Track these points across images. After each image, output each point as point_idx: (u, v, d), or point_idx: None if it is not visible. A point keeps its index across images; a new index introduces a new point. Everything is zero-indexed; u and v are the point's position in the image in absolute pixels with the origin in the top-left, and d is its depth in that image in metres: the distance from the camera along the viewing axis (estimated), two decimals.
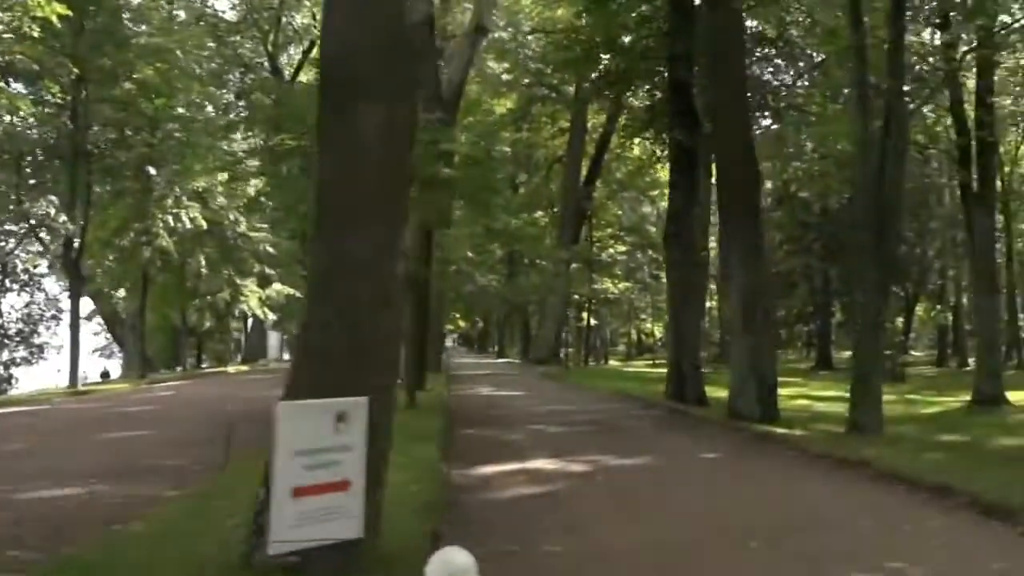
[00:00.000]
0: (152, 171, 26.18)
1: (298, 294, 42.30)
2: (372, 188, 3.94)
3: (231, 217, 29.56)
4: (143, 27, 26.33)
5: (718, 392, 17.40)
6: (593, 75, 17.90)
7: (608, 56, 17.41)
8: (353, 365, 3.77)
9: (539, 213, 42.67)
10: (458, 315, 55.68)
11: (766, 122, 31.04)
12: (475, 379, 26.65)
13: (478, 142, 28.60)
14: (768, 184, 45.37)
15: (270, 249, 33.69)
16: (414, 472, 6.82)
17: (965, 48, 18.57)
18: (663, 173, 45.42)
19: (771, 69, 23.57)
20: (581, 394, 19.83)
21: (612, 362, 54.58)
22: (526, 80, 34.64)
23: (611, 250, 48.13)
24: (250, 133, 24.69)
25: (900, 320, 53.61)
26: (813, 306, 46.56)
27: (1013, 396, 20.91)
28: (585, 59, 17.57)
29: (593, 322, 57.28)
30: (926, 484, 6.90)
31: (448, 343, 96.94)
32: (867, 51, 11.04)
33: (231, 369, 34.87)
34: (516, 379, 26.79)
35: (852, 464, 8.11)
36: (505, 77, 37.26)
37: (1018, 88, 37.39)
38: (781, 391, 23.44)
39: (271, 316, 37.58)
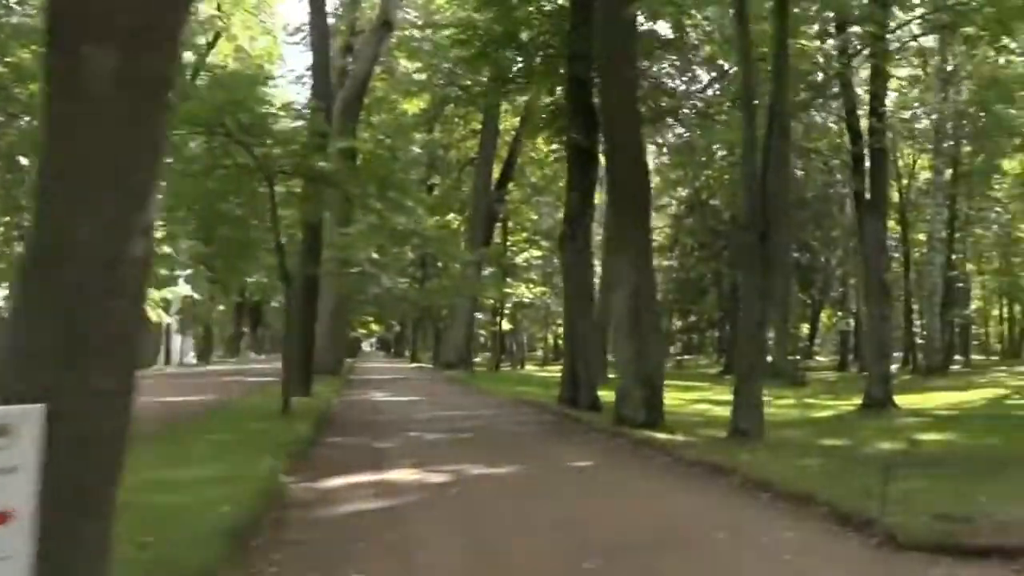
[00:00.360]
0: (25, 161, 24.39)
1: (196, 295, 40.63)
2: (103, 153, 3.25)
3: None
4: (22, 7, 24.58)
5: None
6: (492, 73, 17.35)
7: (507, 53, 16.93)
8: (68, 364, 3.08)
9: (451, 216, 42.08)
10: (371, 319, 54.57)
11: (679, 129, 31.29)
12: (376, 383, 25.82)
13: (383, 140, 27.91)
14: (680, 191, 46.09)
15: (166, 249, 32.04)
16: (238, 488, 6.10)
17: (862, 54, 18.92)
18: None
19: (676, 74, 23.65)
20: (478, 399, 19.28)
21: (528, 367, 54.36)
22: (439, 80, 34.00)
23: (525, 254, 47.89)
24: None
25: (806, 327, 55.36)
26: (722, 311, 47.39)
27: (902, 400, 21.43)
28: (483, 55, 17.05)
29: (508, 327, 57.04)
30: (790, 492, 6.57)
31: (366, 347, 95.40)
32: (750, 53, 10.86)
33: None
34: (418, 383, 26.08)
35: (722, 472, 7.77)
36: (417, 77, 36.55)
37: (916, 104, 38.98)
38: (684, 396, 23.59)
39: (167, 318, 35.81)
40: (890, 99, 38.76)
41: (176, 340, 52.62)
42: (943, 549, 5.03)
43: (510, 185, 39.34)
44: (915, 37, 18.61)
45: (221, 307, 50.28)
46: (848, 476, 7.35)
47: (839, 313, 48.24)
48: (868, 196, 18.94)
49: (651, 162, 41.66)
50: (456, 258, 33.54)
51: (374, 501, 6.69)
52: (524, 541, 5.37)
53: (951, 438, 11.93)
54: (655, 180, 45.67)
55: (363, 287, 29.48)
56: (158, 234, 30.00)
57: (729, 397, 24.12)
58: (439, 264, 41.36)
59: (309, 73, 43.76)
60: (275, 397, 14.14)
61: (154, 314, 34.17)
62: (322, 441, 10.67)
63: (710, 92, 24.27)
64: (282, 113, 14.34)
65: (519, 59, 16.74)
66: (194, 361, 51.18)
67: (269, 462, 7.31)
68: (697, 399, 22.89)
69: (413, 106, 37.17)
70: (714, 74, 23.38)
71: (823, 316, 54.25)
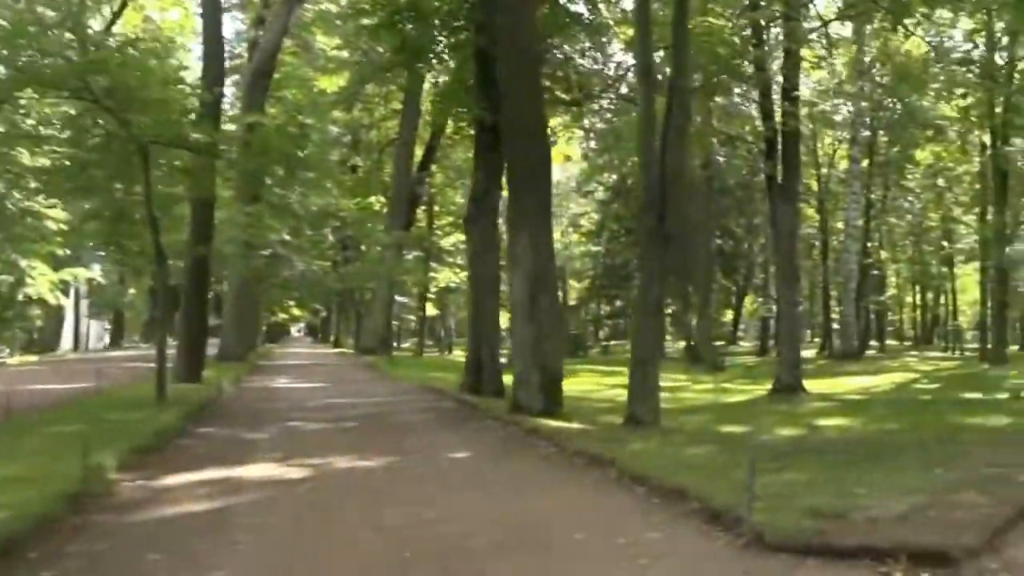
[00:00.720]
0: None
1: (100, 279, 38.68)
2: None
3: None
4: None
5: None
6: (397, 44, 16.46)
7: (413, 24, 16.09)
8: None
9: (373, 198, 41.00)
10: (292, 303, 53.00)
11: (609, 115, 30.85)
12: (285, 369, 24.82)
13: (294, 116, 26.73)
14: (607, 176, 45.94)
15: (62, 226, 30.18)
16: (35, 490, 5.31)
17: (775, 37, 18.77)
18: None
19: (600, 57, 23.16)
20: (386, 385, 18.57)
21: (457, 352, 53.71)
22: (357, 58, 32.83)
23: (452, 238, 47.10)
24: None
25: (730, 313, 56.18)
26: None
27: (814, 384, 21.56)
28: (388, 26, 16.18)
29: (435, 312, 56.26)
30: (665, 487, 6.10)
31: (295, 332, 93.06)
32: (649, 26, 10.38)
33: (13, 360, 31.05)
34: (330, 369, 25.20)
35: (602, 463, 7.28)
36: (336, 54, 35.34)
37: (839, 98, 39.55)
38: (603, 381, 23.30)
39: (64, 300, 33.86)
40: (810, 89, 39.43)
41: (87, 325, 50.33)
42: (811, 550, 4.62)
43: (433, 167, 38.47)
44: (825, 23, 18.51)
45: (132, 291, 48.03)
46: (733, 467, 6.94)
47: (760, 299, 49.00)
48: (780, 181, 18.84)
49: (578, 148, 41.46)
50: (376, 241, 32.63)
51: (208, 502, 5.97)
52: (355, 549, 4.75)
53: (851, 423, 11.78)
54: (583, 166, 45.53)
55: (274, 270, 28.33)
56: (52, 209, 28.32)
57: None
58: (362, 248, 40.27)
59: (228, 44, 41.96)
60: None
61: (51, 296, 32.28)
62: (190, 432, 9.85)
63: (632, 76, 23.91)
64: (188, 86, 13.19)
65: (425, 31, 15.93)
66: (103, 346, 48.98)
67: (97, 458, 6.50)
68: (614, 384, 22.63)
69: (331, 84, 35.91)
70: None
71: (747, 302, 55.09)
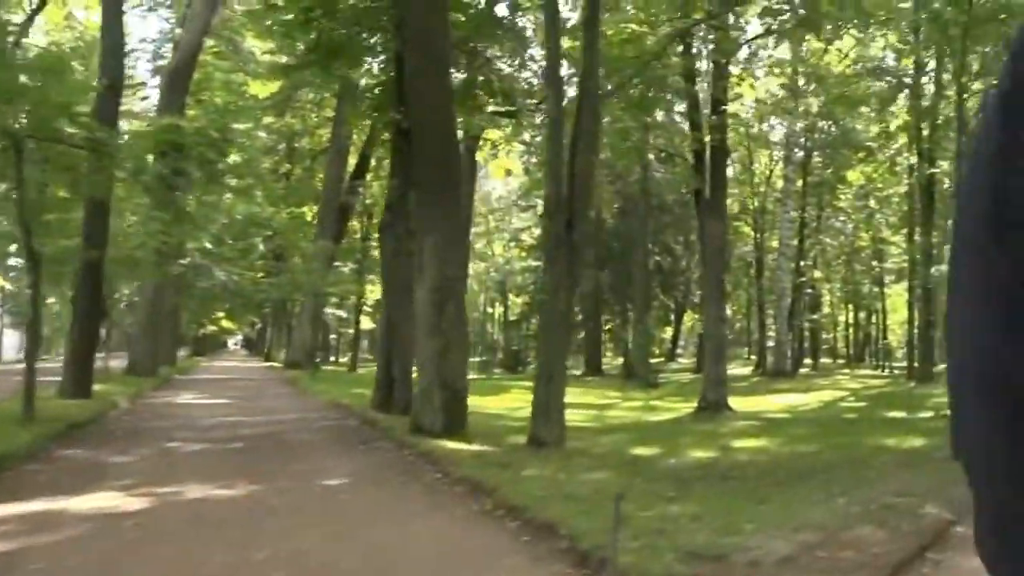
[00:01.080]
0: None
1: (9, 286, 36.72)
2: None
3: None
4: None
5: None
6: (313, 44, 15.67)
7: (330, 22, 15.35)
8: None
9: (306, 208, 39.89)
10: (221, 315, 51.24)
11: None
12: (200, 384, 23.60)
13: (216, 118, 25.64)
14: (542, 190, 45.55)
15: None
16: None
17: (704, 47, 18.56)
18: None
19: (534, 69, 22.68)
20: (297, 402, 17.63)
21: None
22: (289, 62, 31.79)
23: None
24: None
25: (669, 329, 56.25)
26: (583, 313, 47.20)
27: (742, 403, 21.30)
28: (304, 24, 15.40)
29: (371, 325, 55.06)
30: (539, 521, 5.46)
31: (232, 345, 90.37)
32: (558, 26, 9.87)
33: None
34: (248, 384, 24.06)
35: (484, 492, 6.61)
36: (266, 58, 34.24)
37: (775, 118, 39.97)
38: (526, 398, 22.69)
39: None
40: (746, 107, 39.74)
41: (7, 336, 48.01)
42: None
43: (368, 176, 37.54)
44: (752, 39, 18.38)
45: (51, 300, 45.80)
46: (629, 498, 6.35)
47: (698, 316, 49.11)
48: (708, 196, 18.58)
49: (518, 162, 40.98)
50: (303, 252, 31.55)
51: (5, 542, 5.11)
52: None
53: (768, 444, 11.37)
54: (523, 180, 45.09)
55: (193, 280, 27.04)
56: None
57: (572, 399, 23.56)
58: (297, 259, 39.06)
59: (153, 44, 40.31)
60: (44, 400, 12.21)
61: None
62: (46, 455, 8.87)
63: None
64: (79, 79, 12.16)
65: (341, 30, 15.19)
66: (19, 358, 46.59)
67: None
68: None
69: (263, 89, 34.83)
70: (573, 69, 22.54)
71: (686, 319, 55.26)
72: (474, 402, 18.50)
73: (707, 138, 18.01)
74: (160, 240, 21.22)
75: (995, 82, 0.51)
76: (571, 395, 25.32)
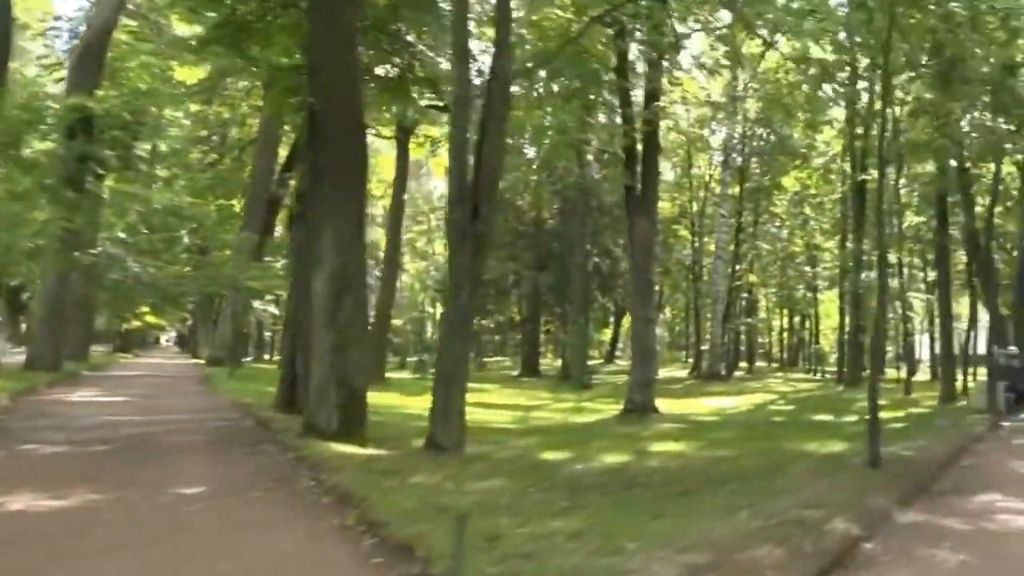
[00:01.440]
0: None
1: None
2: None
3: None
4: None
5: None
6: (220, 20, 14.64)
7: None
8: None
9: (235, 200, 38.43)
10: (145, 309, 49.11)
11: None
12: (106, 381, 22.24)
13: (133, 100, 24.23)
14: None
15: None
16: None
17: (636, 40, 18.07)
18: (385, 164, 43.02)
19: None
20: (200, 400, 16.57)
21: None
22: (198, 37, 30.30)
23: None
24: None
25: (609, 332, 56.10)
26: (521, 314, 46.67)
27: (672, 405, 20.94)
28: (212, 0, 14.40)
29: None
30: (395, 539, 4.74)
31: (165, 342, 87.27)
32: (465, 5, 9.18)
33: None
34: (159, 382, 22.78)
35: (354, 503, 5.85)
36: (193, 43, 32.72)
37: (715, 123, 40.00)
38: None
39: None
40: (688, 113, 39.68)
41: None
42: None
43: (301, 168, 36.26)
44: (684, 36, 17.98)
45: None
46: (506, 511, 5.68)
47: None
48: (639, 193, 18.12)
49: None
50: (224, 245, 30.22)
51: None
52: None
53: (685, 449, 10.85)
54: None
55: (105, 271, 25.48)
56: None
57: (501, 399, 22.90)
58: (228, 251, 37.55)
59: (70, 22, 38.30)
60: None
61: None
62: None
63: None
64: None
65: (250, 5, 14.21)
66: None
67: None
68: (468, 401, 21.39)
69: (191, 75, 33.32)
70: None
71: (625, 321, 55.17)
72: (398, 402, 17.75)
73: (638, 133, 17.59)
74: (62, 226, 19.85)
75: None
76: (502, 396, 24.88)
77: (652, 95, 18.24)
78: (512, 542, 4.54)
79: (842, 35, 13.42)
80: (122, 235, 26.76)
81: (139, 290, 26.24)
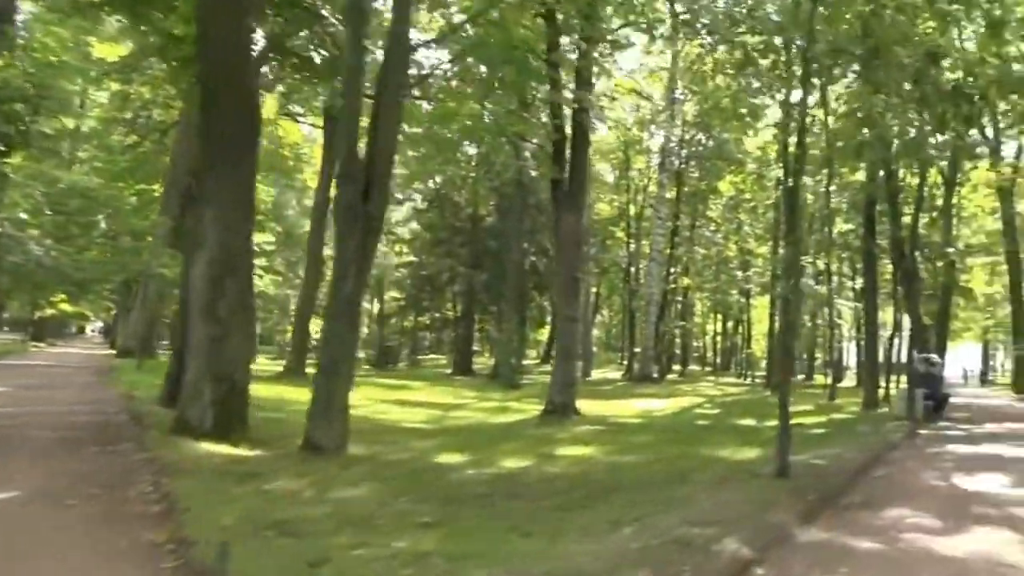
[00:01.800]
0: None
1: None
2: None
3: None
4: None
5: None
6: None
7: None
8: None
9: (157, 185, 36.67)
10: (63, 297, 46.70)
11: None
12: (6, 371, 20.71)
13: (37, 73, 22.67)
14: (430, 184, 43.99)
15: None
16: None
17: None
18: (314, 152, 41.60)
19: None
20: (90, 393, 15.37)
21: (261, 360, 49.31)
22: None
23: (259, 237, 43.17)
24: None
25: (546, 331, 55.60)
26: (456, 312, 45.83)
27: (596, 406, 20.40)
28: None
29: None
30: (196, 563, 3.94)
31: (91, 332, 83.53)
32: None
33: None
34: (55, 372, 21.33)
35: (175, 516, 5.02)
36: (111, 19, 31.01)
37: (654, 126, 39.86)
38: (379, 395, 21.08)
39: None
40: (629, 115, 39.46)
41: None
42: None
43: None
44: (617, 27, 17.53)
45: None
46: (364, 525, 4.93)
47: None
48: (567, 188, 17.54)
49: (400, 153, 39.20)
50: (130, 231, 28.65)
51: None
52: None
53: (594, 453, 10.23)
54: (400, 171, 43.30)
55: (2, 252, 23.81)
56: None
57: (424, 398, 22.09)
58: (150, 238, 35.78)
59: None
60: None
61: None
62: None
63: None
64: None
65: None
66: None
67: None
68: (387, 399, 20.64)
69: (112, 52, 31.58)
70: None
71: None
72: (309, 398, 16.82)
73: (567, 121, 17.02)
74: None
75: None
76: (427, 394, 24.04)
77: (583, 80, 17.66)
78: (338, 567, 3.80)
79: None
80: (24, 216, 25.11)
81: (41, 274, 24.63)
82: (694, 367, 53.98)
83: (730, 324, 53.14)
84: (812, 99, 27.10)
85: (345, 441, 8.00)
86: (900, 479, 8.87)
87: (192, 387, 8.92)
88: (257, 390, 13.08)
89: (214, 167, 9.43)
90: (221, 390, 8.85)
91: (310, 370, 28.76)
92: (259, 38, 12.92)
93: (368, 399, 20.14)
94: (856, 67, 14.46)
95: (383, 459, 8.24)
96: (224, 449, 7.93)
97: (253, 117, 9.88)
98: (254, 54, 11.63)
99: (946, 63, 13.37)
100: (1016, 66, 14.02)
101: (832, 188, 27.26)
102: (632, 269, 43.00)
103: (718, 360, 54.74)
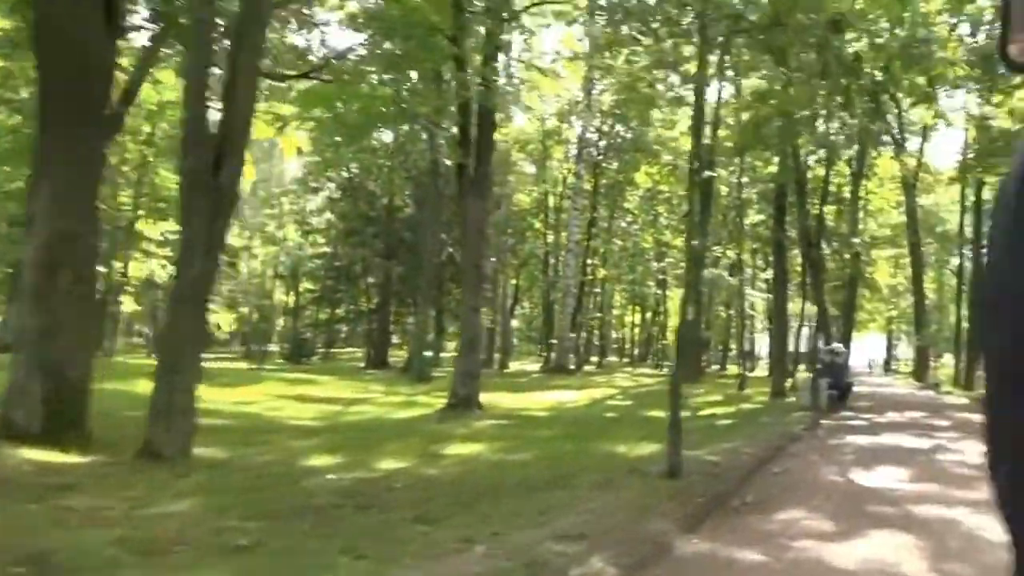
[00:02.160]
0: None
1: None
2: None
3: None
4: None
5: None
6: None
7: None
8: None
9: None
10: None
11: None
12: None
13: None
14: (341, 173, 42.59)
15: None
16: None
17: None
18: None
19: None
20: None
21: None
22: None
23: (164, 225, 40.85)
24: None
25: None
26: (370, 304, 44.59)
27: (503, 399, 19.78)
28: None
29: (135, 308, 49.24)
30: None
31: None
32: None
33: None
34: None
35: None
36: None
37: (572, 116, 39.40)
38: (280, 390, 19.95)
39: None
40: (545, 104, 38.90)
41: None
42: None
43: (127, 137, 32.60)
44: (527, 7, 16.88)
45: None
46: (157, 553, 4.06)
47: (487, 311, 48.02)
48: (472, 172, 16.79)
49: (308, 141, 37.72)
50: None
51: None
52: None
53: (482, 451, 9.52)
54: (314, 159, 41.75)
55: None
56: None
57: (326, 392, 21.02)
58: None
59: None
60: None
61: None
62: None
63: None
64: None
65: None
66: None
67: None
68: (287, 394, 19.60)
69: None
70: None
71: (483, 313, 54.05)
72: (212, 395, 15.60)
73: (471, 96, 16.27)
74: None
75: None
76: (331, 389, 22.97)
77: (489, 56, 16.93)
78: None
79: None
80: None
81: None
82: (612, 358, 54.08)
83: (648, 315, 53.43)
84: (727, 93, 27.18)
85: (188, 445, 7.05)
86: (798, 475, 8.45)
87: (18, 385, 7.78)
88: (136, 386, 11.92)
89: (48, 128, 8.23)
90: (52, 388, 7.75)
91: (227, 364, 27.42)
92: None
93: (266, 395, 19.02)
94: (760, 37, 14.14)
95: (235, 465, 7.33)
96: (49, 456, 6.88)
97: (102, 64, 8.60)
98: None
99: (851, 35, 13.18)
100: (920, 31, 13.94)
101: (744, 180, 27.36)
102: (551, 261, 42.60)
103: (636, 351, 54.99)
